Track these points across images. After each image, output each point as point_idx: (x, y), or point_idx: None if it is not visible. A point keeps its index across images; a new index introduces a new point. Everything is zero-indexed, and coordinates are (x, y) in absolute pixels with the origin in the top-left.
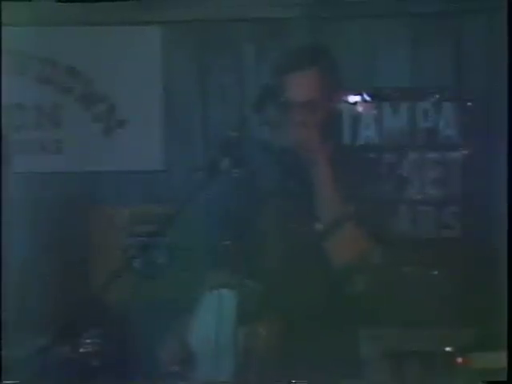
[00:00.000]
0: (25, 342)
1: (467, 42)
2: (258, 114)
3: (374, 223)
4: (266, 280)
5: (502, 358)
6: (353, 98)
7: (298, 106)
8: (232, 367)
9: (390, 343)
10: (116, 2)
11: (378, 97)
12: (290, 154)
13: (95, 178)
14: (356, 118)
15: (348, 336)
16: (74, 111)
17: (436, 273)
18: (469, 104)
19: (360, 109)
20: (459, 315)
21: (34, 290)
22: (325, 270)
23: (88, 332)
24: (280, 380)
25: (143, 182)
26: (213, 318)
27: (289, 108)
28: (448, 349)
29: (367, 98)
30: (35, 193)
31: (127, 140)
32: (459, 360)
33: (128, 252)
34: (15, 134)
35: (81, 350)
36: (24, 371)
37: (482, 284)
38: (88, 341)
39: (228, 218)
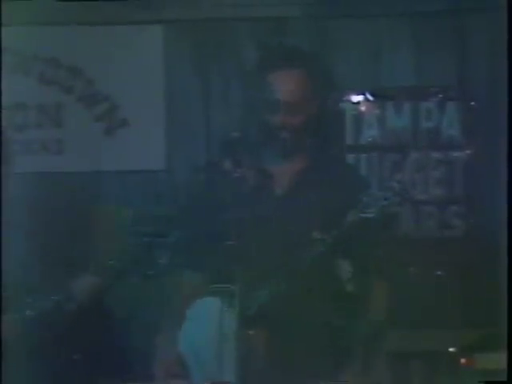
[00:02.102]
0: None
1: (471, 41)
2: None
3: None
4: (259, 286)
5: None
6: (355, 98)
7: (283, 105)
8: (224, 375)
9: (393, 344)
10: (117, 2)
11: (380, 96)
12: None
13: (97, 178)
14: (358, 118)
15: (345, 338)
16: (75, 111)
17: (440, 273)
18: (472, 104)
19: (362, 108)
20: (463, 316)
21: (34, 290)
22: (318, 274)
23: (87, 334)
24: None
25: (145, 181)
26: (201, 327)
27: (273, 107)
28: (451, 349)
29: (369, 98)
30: (36, 193)
31: (129, 140)
32: (463, 361)
33: (130, 252)
34: (17, 133)
35: (79, 352)
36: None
37: (486, 284)
38: (86, 342)
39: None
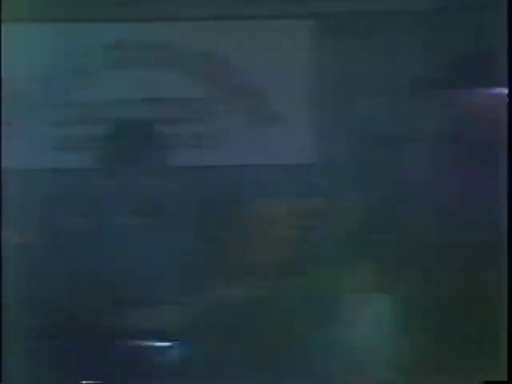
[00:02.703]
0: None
1: None
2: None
3: None
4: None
5: None
6: None
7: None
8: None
9: None
10: None
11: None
12: None
13: (247, 172)
14: None
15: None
16: (225, 105)
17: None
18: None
19: None
20: None
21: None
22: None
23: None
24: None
25: (296, 175)
26: (368, 325)
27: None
28: None
29: None
30: (190, 186)
31: (279, 133)
32: None
33: (286, 245)
34: (167, 128)
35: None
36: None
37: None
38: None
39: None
